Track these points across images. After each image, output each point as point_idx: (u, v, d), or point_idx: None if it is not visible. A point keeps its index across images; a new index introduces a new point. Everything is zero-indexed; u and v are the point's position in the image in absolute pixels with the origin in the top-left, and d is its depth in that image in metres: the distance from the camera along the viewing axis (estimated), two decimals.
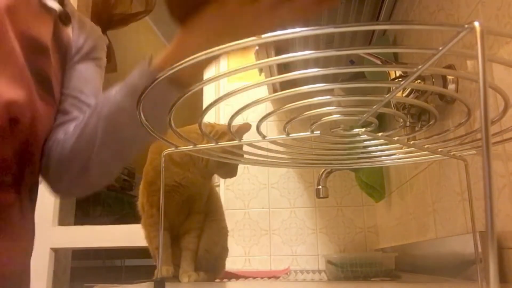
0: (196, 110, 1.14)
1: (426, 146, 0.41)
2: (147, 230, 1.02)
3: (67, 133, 0.62)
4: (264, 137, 0.38)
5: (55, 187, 0.64)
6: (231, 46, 0.26)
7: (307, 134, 0.38)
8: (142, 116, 0.35)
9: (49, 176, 0.63)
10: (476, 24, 0.21)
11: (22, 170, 0.57)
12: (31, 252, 0.62)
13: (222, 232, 1.07)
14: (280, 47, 1.25)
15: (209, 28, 0.31)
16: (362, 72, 1.20)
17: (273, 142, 0.39)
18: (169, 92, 0.53)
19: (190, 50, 0.36)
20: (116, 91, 0.59)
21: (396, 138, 0.41)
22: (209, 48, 0.35)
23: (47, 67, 0.61)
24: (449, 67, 0.78)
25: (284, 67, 1.50)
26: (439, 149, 0.42)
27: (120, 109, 0.57)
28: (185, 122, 0.91)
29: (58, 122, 0.64)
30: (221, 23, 0.30)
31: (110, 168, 0.64)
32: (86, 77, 0.70)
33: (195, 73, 0.54)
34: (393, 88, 0.30)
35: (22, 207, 0.58)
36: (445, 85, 0.77)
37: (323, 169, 1.31)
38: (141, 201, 1.04)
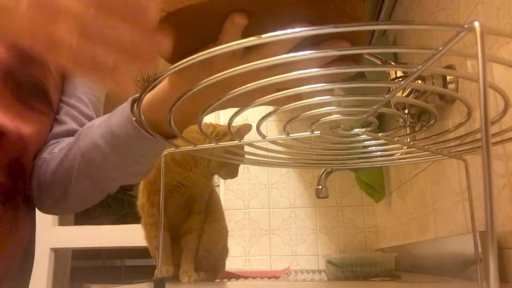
0: None
1: (426, 146, 0.41)
2: (147, 230, 1.02)
3: (52, 153, 0.60)
4: (264, 137, 0.38)
5: (38, 205, 0.63)
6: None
7: (307, 134, 0.38)
8: (143, 117, 0.35)
9: (33, 194, 0.61)
10: (476, 24, 0.21)
11: (13, 183, 0.55)
12: (32, 253, 0.62)
13: (222, 232, 1.07)
14: None
15: (200, 78, 0.30)
16: (362, 72, 1.20)
17: (273, 142, 0.39)
18: (155, 142, 0.50)
19: (175, 98, 0.33)
20: (97, 126, 0.55)
21: (396, 138, 0.41)
22: (198, 99, 0.33)
23: (42, 75, 0.59)
24: (449, 67, 0.78)
25: None
26: (439, 149, 0.42)
27: (95, 147, 0.53)
28: None
29: (51, 133, 0.63)
30: (212, 75, 0.28)
31: (89, 198, 0.61)
32: (86, 85, 0.67)
33: (186, 122, 0.47)
34: (393, 88, 0.30)
35: (16, 215, 0.56)
36: (445, 85, 0.77)
37: (323, 169, 1.31)
38: (141, 200, 1.04)
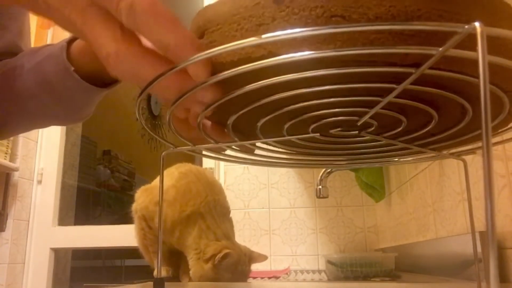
0: None
1: (425, 146, 0.41)
2: (143, 245, 1.00)
3: None
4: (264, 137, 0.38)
5: None
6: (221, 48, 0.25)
7: (307, 134, 0.38)
8: (142, 117, 0.35)
9: None
10: (477, 24, 0.21)
11: None
12: None
13: None
14: None
15: None
16: None
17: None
18: (100, 92, 0.47)
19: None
20: (27, 70, 0.48)
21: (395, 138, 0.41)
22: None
23: None
24: None
25: None
26: (439, 149, 0.42)
27: (33, 97, 0.48)
28: None
29: None
30: None
31: (17, 132, 0.56)
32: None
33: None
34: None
35: None
36: None
37: (323, 169, 1.31)
38: (135, 208, 1.01)
